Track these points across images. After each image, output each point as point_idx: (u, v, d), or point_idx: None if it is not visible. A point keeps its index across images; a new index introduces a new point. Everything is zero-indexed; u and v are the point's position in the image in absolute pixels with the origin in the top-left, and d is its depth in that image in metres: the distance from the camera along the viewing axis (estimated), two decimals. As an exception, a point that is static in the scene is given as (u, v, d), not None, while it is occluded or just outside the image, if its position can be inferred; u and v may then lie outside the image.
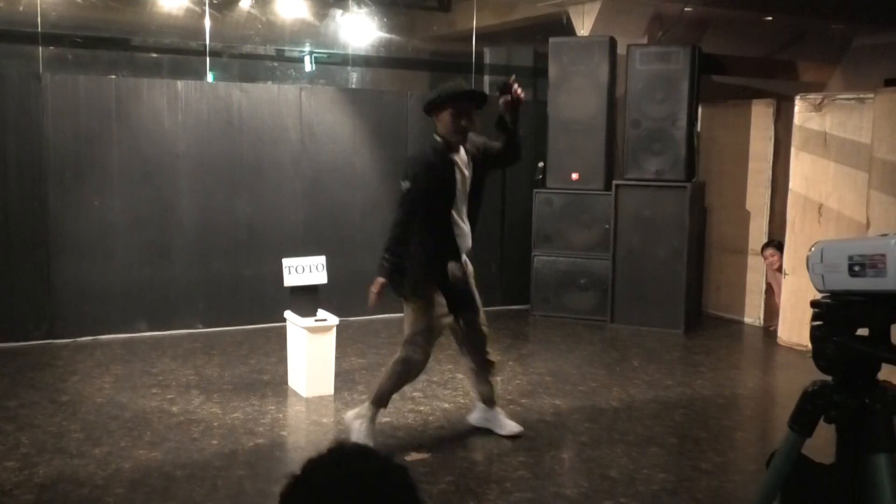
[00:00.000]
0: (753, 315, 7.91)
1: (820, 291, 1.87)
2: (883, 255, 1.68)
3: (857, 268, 1.73)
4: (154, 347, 6.52)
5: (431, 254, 4.43)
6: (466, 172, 4.48)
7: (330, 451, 1.30)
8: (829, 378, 1.87)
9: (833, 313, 1.83)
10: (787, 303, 7.05)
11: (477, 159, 4.51)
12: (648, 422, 5.07)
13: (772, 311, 7.67)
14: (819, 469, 1.92)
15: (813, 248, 1.88)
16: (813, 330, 1.86)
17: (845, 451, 1.82)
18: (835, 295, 1.84)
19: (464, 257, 4.57)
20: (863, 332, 1.83)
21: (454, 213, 4.45)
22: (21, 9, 7.06)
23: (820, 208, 6.79)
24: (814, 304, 1.88)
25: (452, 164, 4.42)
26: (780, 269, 7.26)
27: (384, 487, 1.25)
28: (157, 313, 6.96)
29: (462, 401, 5.36)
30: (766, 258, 7.59)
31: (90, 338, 6.70)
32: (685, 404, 5.45)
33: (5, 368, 5.84)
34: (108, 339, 6.70)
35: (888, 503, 1.69)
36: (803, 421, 1.90)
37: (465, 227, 4.53)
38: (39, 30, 6.95)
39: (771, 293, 7.73)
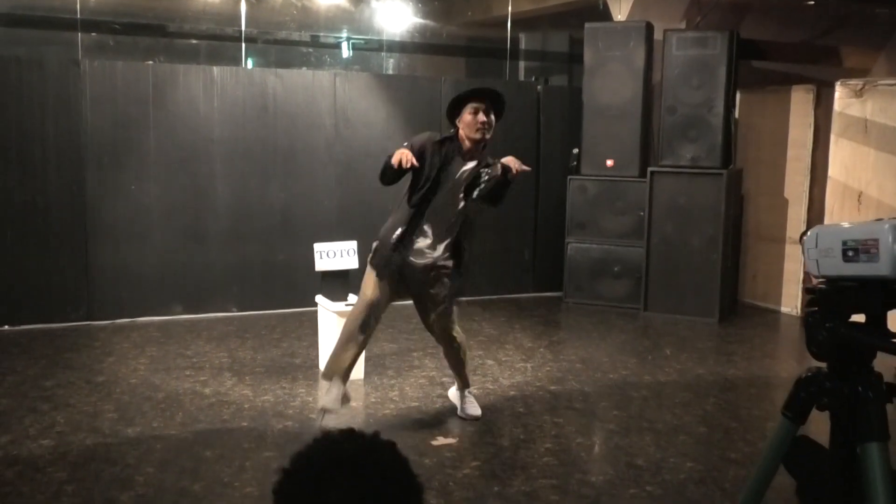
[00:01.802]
0: (790, 304, 7.80)
1: (815, 277, 1.83)
2: (876, 240, 1.64)
3: (850, 253, 1.69)
4: (189, 330, 6.62)
5: (387, 231, 4.49)
6: (461, 183, 4.44)
7: (316, 440, 1.30)
8: (823, 365, 1.83)
9: (827, 299, 1.79)
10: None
11: (484, 176, 4.44)
12: (678, 410, 5.04)
13: (809, 300, 7.55)
14: (822, 450, 1.88)
15: (808, 233, 1.84)
16: (806, 316, 1.82)
17: (839, 439, 1.78)
18: (829, 280, 1.81)
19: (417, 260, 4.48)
20: (860, 318, 1.79)
21: (428, 212, 4.42)
22: (61, -4, 7.17)
23: (860, 196, 6.67)
24: (808, 290, 1.84)
25: (452, 160, 4.41)
26: (817, 258, 7.14)
27: (375, 467, 1.25)
28: (192, 296, 7.06)
29: (490, 387, 5.37)
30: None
31: (127, 320, 6.82)
32: (716, 393, 5.40)
33: (44, 349, 5.96)
34: (145, 322, 6.81)
35: (879, 492, 1.65)
36: (796, 408, 1.87)
37: (429, 239, 4.46)
38: (79, 16, 7.05)
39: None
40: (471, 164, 4.46)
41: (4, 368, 5.49)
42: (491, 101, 4.43)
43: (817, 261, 1.81)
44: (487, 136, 4.41)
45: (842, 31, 9.37)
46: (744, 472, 4.14)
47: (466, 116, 4.39)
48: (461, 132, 4.43)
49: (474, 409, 4.82)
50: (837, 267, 1.75)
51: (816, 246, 1.81)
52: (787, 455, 1.91)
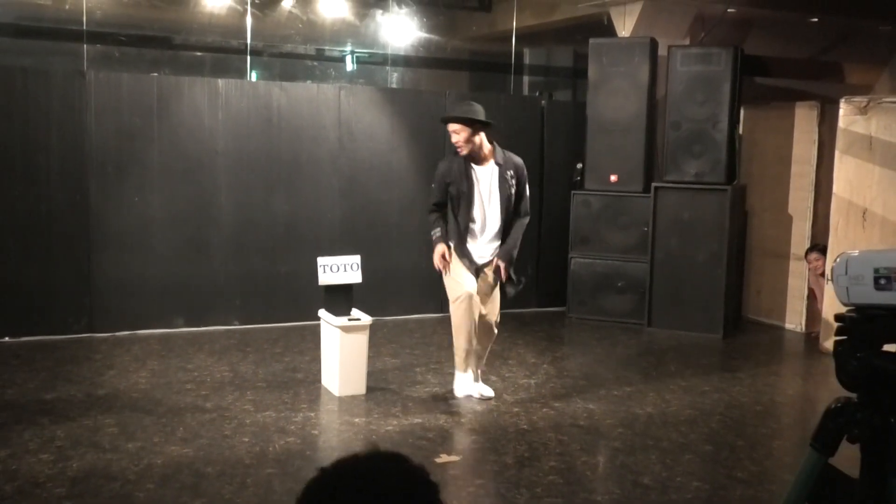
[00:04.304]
0: (795, 321, 7.77)
1: (845, 304, 1.79)
2: None
3: (882, 281, 1.65)
4: (191, 343, 6.58)
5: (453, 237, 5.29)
6: (486, 184, 5.23)
7: (366, 454, 1.28)
8: (853, 395, 1.78)
9: (857, 328, 1.74)
10: (830, 309, 6.89)
11: (511, 179, 5.27)
12: (684, 428, 5.00)
13: (814, 316, 7.52)
14: (850, 483, 1.84)
15: (838, 259, 1.79)
16: (836, 345, 1.78)
17: (869, 472, 1.74)
18: (859, 309, 1.76)
19: (479, 255, 5.28)
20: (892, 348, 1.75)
21: (472, 211, 5.21)
22: (67, 7, 7.18)
23: (864, 213, 6.65)
24: (838, 317, 1.80)
25: (467, 171, 5.20)
26: (823, 275, 7.12)
27: (412, 498, 1.23)
28: (194, 309, 7.03)
29: (494, 403, 5.32)
30: (809, 262, 7.45)
31: (129, 332, 6.78)
32: (722, 411, 5.36)
33: (45, 361, 5.93)
34: (146, 334, 6.78)
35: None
36: (825, 440, 1.82)
37: (483, 232, 5.26)
38: (84, 28, 7.07)
39: (813, 299, 7.59)
40: (489, 167, 5.22)
41: (4, 381, 5.46)
42: (457, 122, 5.15)
43: (847, 288, 1.76)
44: (464, 151, 5.16)
45: (845, 47, 9.38)
46: (751, 491, 4.11)
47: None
48: None
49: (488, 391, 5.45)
50: (868, 295, 1.71)
51: (846, 273, 1.76)
52: (812, 487, 1.86)
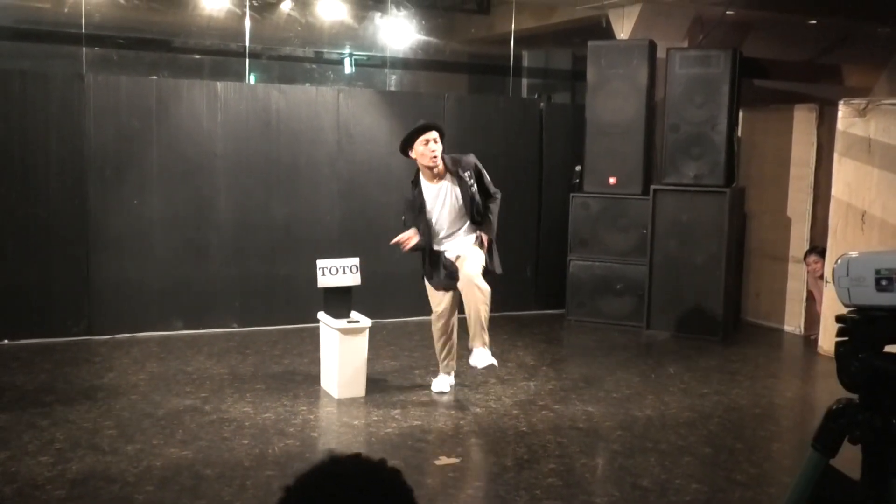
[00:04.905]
0: (794, 323, 7.77)
1: (846, 306, 1.79)
2: None
3: (884, 282, 1.65)
4: (190, 345, 6.58)
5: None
6: (448, 196, 5.30)
7: (327, 461, 1.29)
8: (855, 396, 1.79)
9: (859, 329, 1.75)
10: (829, 311, 6.89)
11: (469, 180, 5.31)
12: (683, 431, 5.00)
13: (813, 319, 7.52)
14: (851, 484, 1.85)
15: (839, 261, 1.80)
16: (837, 346, 1.78)
17: (871, 473, 1.74)
18: (861, 310, 1.76)
19: (449, 254, 5.43)
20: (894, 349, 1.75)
21: (434, 227, 5.37)
22: (66, 10, 7.18)
23: (863, 215, 6.65)
24: (839, 318, 1.80)
25: (423, 191, 5.33)
26: (822, 277, 7.12)
27: (380, 496, 1.24)
28: (193, 311, 7.03)
29: (493, 406, 5.33)
30: (808, 265, 7.45)
31: (128, 335, 6.78)
32: (721, 413, 5.36)
33: (44, 364, 5.93)
34: (145, 337, 6.78)
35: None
36: (826, 441, 1.83)
37: (449, 237, 5.42)
38: (83, 31, 7.07)
39: (812, 301, 7.59)
40: (447, 179, 5.29)
41: (4, 383, 5.46)
42: (437, 131, 5.21)
43: (848, 289, 1.76)
44: (438, 161, 5.21)
45: (844, 49, 9.39)
46: (750, 493, 4.11)
47: (419, 148, 5.20)
48: (419, 166, 5.30)
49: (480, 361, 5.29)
50: (870, 296, 1.71)
51: (848, 274, 1.77)
52: (813, 488, 1.87)
